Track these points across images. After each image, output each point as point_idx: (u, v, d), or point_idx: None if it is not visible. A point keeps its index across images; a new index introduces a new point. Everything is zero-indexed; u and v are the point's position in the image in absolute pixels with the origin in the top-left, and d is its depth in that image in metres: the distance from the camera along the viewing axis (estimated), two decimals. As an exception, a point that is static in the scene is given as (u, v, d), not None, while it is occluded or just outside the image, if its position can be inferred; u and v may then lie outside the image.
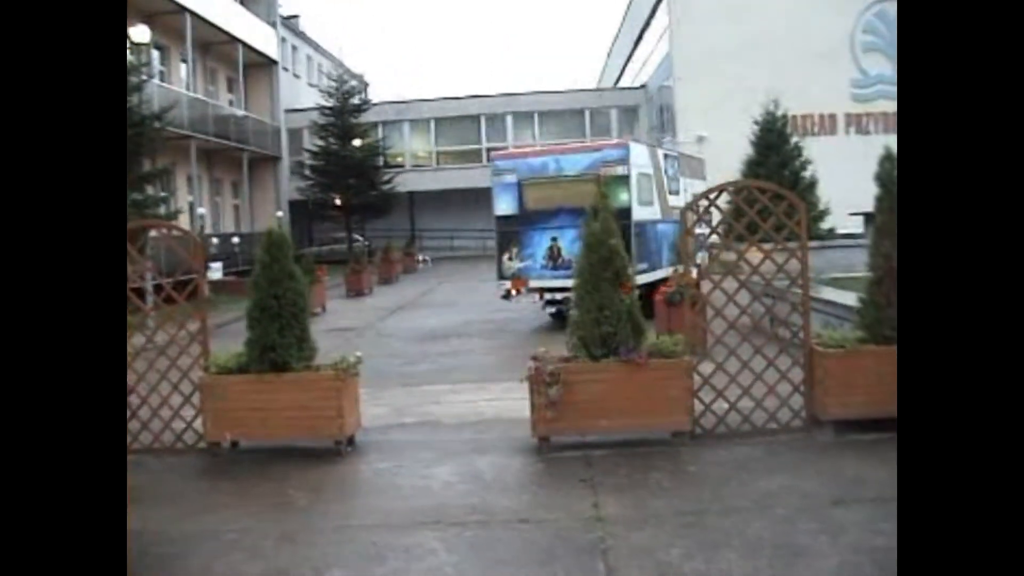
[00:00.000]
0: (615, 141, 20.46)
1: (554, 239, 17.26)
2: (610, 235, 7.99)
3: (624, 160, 16.97)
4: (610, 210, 8.28)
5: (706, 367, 8.27)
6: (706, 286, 8.87)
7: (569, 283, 9.07)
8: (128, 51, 23.32)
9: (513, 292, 17.56)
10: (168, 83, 33.10)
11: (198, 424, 8.58)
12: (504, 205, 17.75)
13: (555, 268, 17.14)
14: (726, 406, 8.21)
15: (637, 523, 6.10)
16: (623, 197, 16.42)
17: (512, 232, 17.72)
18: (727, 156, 27.25)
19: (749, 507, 6.27)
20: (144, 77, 24.04)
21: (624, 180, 16.74)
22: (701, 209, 8.57)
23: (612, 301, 7.86)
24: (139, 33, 22.35)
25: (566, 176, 17.12)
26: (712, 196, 8.51)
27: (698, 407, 8.14)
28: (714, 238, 9.47)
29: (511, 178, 17.59)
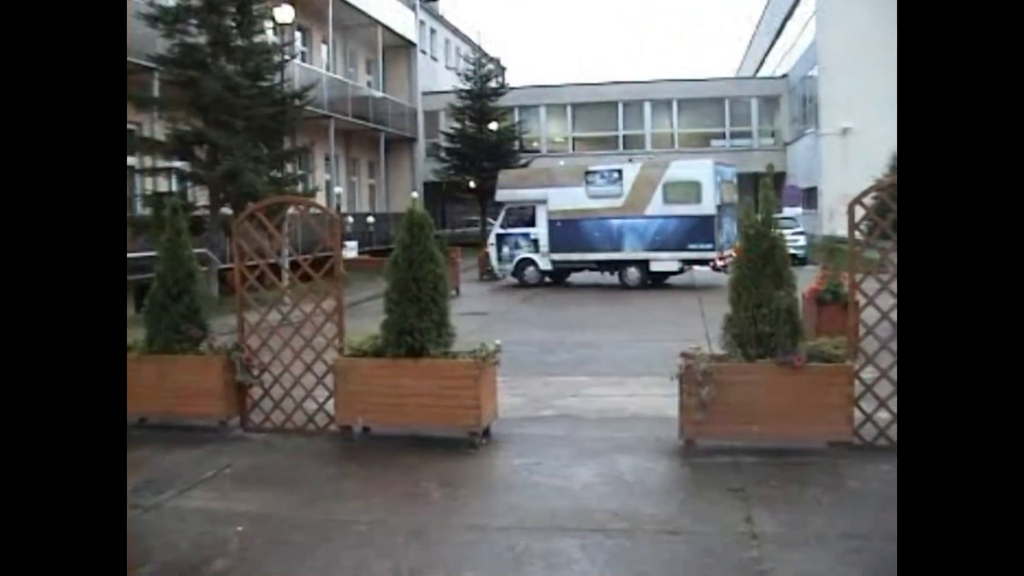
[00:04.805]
0: (727, 161, 27.35)
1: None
2: (772, 226, 7.43)
3: (732, 178, 25.10)
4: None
5: (867, 373, 7.64)
6: (866, 286, 8.16)
7: None
8: (272, 31, 23.61)
9: (719, 263, 22.97)
10: (309, 63, 33.49)
11: (330, 406, 8.38)
12: (717, 198, 23.19)
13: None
14: (889, 416, 7.56)
15: (797, 543, 5.57)
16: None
17: (718, 218, 23.31)
18: (874, 149, 26.07)
19: (923, 532, 5.66)
20: (287, 57, 24.17)
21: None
22: (870, 205, 7.88)
23: (771, 299, 7.30)
24: (283, 14, 22.56)
25: (728, 180, 24.35)
26: (884, 190, 7.86)
27: (858, 416, 7.51)
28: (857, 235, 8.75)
29: (719, 178, 22.98)
